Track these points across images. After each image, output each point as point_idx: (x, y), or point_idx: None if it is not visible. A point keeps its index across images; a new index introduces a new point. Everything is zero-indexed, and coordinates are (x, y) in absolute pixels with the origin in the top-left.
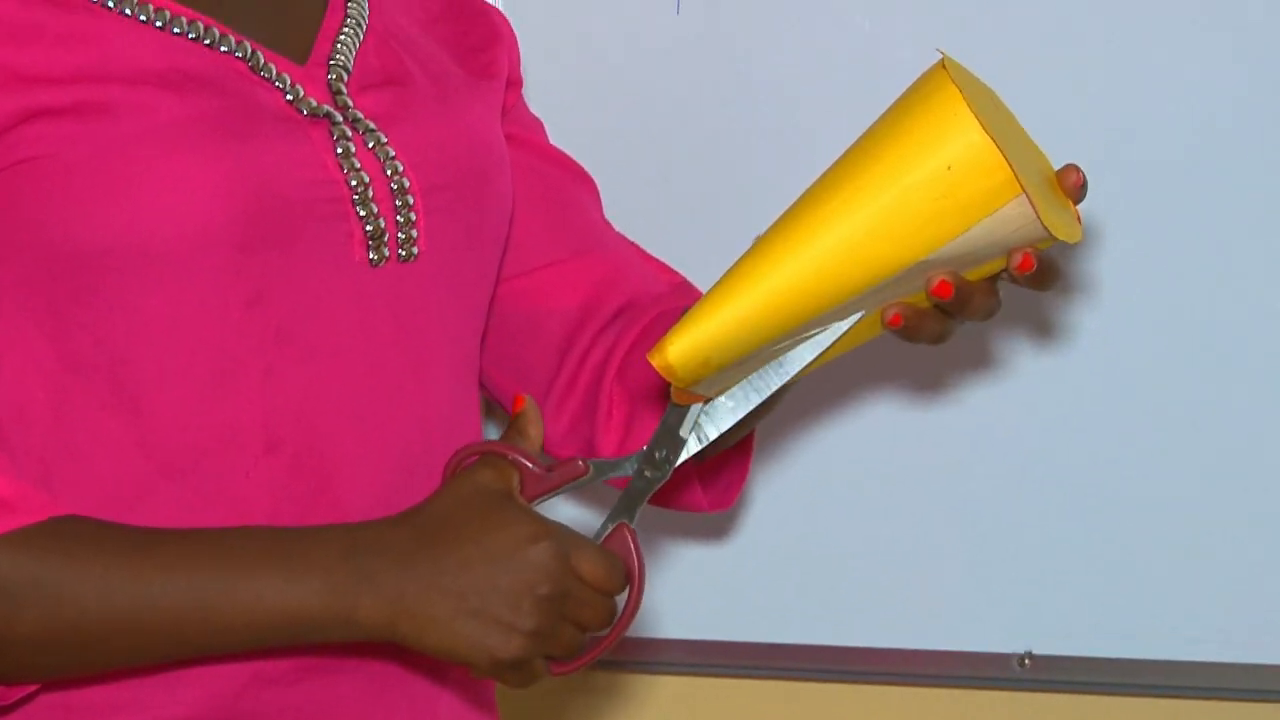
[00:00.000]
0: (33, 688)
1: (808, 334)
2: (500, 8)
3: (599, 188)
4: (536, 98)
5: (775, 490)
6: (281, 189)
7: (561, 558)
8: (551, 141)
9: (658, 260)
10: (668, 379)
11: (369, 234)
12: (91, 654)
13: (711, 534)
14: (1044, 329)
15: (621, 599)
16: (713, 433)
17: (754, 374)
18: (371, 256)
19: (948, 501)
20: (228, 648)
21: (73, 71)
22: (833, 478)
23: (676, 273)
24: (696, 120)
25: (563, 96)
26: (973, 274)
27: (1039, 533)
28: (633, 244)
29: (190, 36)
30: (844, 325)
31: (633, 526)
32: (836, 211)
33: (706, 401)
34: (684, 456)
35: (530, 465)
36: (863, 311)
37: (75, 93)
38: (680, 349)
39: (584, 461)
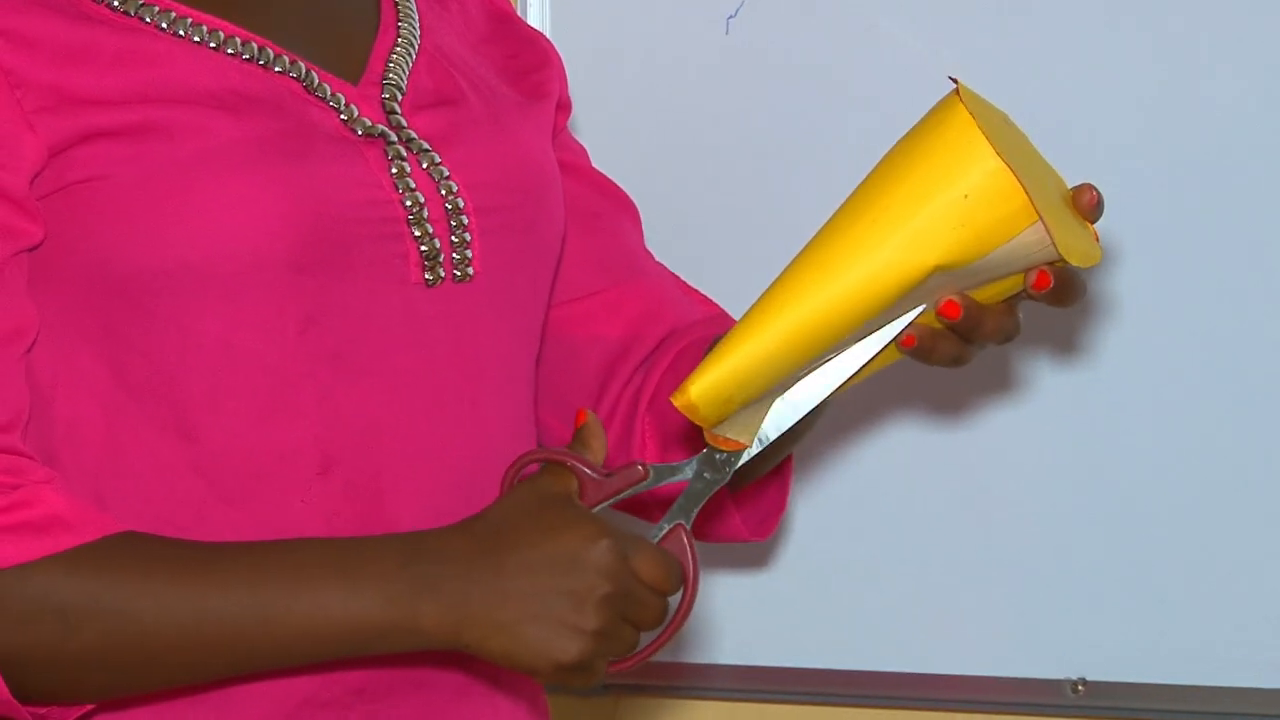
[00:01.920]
0: (89, 707)
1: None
2: (553, 26)
3: (641, 210)
4: (587, 116)
5: (819, 515)
6: (337, 210)
7: (621, 557)
8: (595, 165)
9: (697, 291)
10: (692, 419)
11: (424, 254)
12: (150, 671)
13: (756, 558)
14: (1096, 351)
15: (675, 600)
16: (773, 433)
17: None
18: (427, 277)
19: (998, 526)
20: (288, 661)
21: (127, 93)
22: (879, 501)
23: (714, 304)
24: (744, 138)
25: (613, 115)
26: (989, 295)
27: (1092, 557)
28: (672, 274)
29: (244, 57)
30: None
31: (689, 528)
32: (854, 245)
33: (742, 449)
34: (745, 458)
35: (589, 471)
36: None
37: (130, 114)
38: (702, 388)
39: (643, 466)
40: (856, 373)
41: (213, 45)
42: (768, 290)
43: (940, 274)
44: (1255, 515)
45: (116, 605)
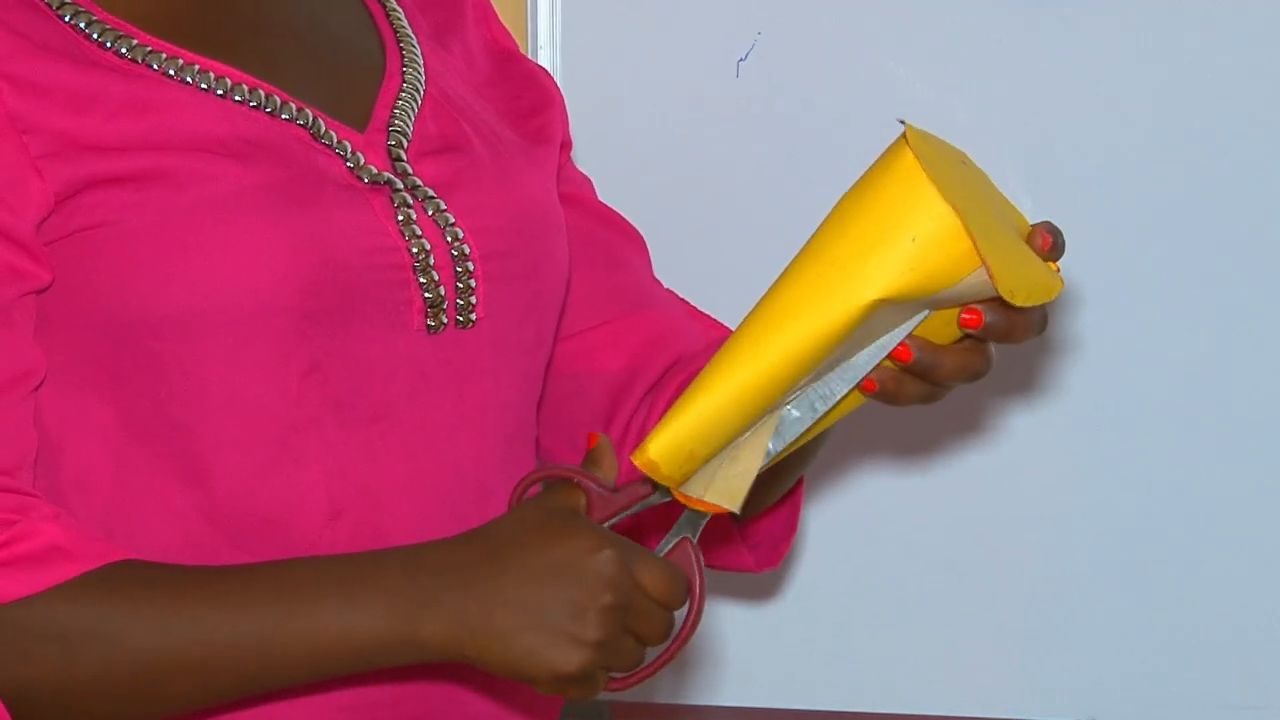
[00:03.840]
0: None
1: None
2: (563, 68)
3: (650, 246)
4: (596, 158)
5: (824, 555)
6: (343, 257)
7: (625, 568)
8: (600, 199)
9: (706, 316)
10: (655, 478)
11: (428, 301)
12: (153, 697)
13: (758, 595)
14: (1111, 389)
15: (681, 615)
16: (778, 446)
17: (817, 383)
18: (430, 324)
19: (1009, 567)
20: (291, 680)
21: (134, 140)
22: (887, 542)
23: (724, 327)
24: (754, 180)
25: (623, 156)
26: (941, 335)
27: (1103, 599)
28: (681, 300)
29: (251, 104)
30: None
31: (695, 542)
32: (804, 293)
33: (715, 511)
34: (802, 428)
35: (596, 487)
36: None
37: (136, 161)
38: (660, 445)
39: (651, 481)
40: (829, 410)
41: (220, 92)
42: (725, 344)
43: (886, 307)
44: (1271, 559)
45: (115, 631)
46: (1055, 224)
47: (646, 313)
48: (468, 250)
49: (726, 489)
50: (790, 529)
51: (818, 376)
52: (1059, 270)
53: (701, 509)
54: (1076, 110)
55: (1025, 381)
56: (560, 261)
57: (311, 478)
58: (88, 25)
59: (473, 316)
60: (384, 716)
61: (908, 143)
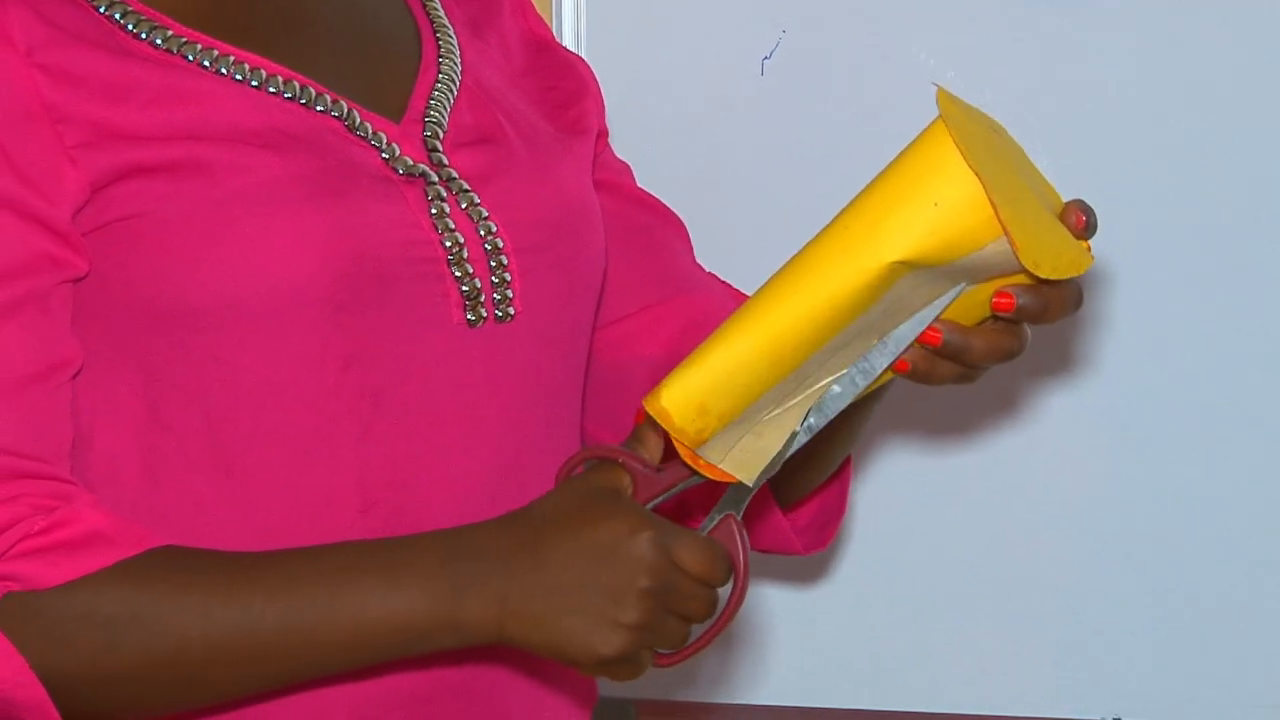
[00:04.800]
0: None
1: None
2: (593, 66)
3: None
4: (620, 152)
5: (851, 556)
6: (377, 249)
7: (663, 550)
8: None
9: (747, 296)
10: (668, 429)
11: (465, 295)
12: (196, 684)
13: (790, 599)
14: (1142, 388)
15: (726, 592)
16: (820, 422)
17: (860, 356)
18: (469, 317)
19: (1035, 566)
20: (334, 666)
21: (169, 130)
22: (915, 542)
23: None
24: (779, 179)
25: (646, 156)
26: (968, 317)
27: (1128, 597)
28: (722, 282)
29: (286, 96)
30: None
31: (739, 519)
32: (826, 250)
33: (738, 486)
34: (793, 448)
35: (640, 466)
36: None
37: (171, 151)
38: (673, 393)
39: None
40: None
41: (254, 84)
42: (747, 300)
43: (910, 273)
44: None
45: (158, 617)
46: (1088, 203)
47: (686, 297)
48: (501, 244)
49: (744, 460)
50: (838, 510)
51: (847, 345)
52: (1090, 249)
53: (715, 477)
54: (1109, 98)
55: (1058, 366)
56: (597, 253)
57: (345, 470)
58: (123, 16)
59: (511, 310)
60: (420, 711)
61: (941, 108)
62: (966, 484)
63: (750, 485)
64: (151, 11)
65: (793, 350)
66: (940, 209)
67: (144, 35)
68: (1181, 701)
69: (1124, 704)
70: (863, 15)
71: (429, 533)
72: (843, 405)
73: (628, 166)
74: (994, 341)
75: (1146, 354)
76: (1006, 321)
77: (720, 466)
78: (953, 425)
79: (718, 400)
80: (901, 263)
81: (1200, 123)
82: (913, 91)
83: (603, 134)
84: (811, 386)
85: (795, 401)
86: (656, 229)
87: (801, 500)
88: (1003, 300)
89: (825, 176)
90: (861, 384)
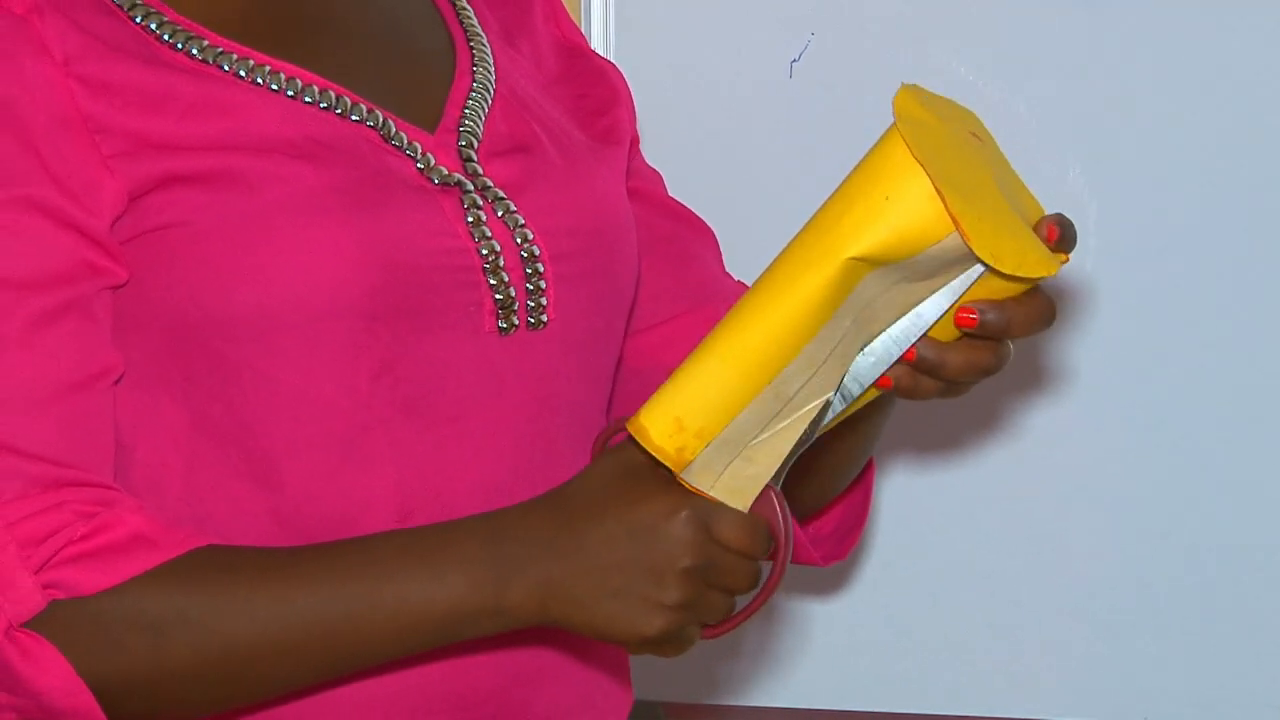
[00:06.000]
0: None
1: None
2: (622, 69)
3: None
4: (648, 156)
5: (880, 559)
6: (414, 259)
7: (702, 527)
8: (670, 193)
9: None
10: (650, 450)
11: (499, 303)
12: (245, 681)
13: (813, 598)
14: (1176, 393)
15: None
16: (856, 390)
17: (842, 372)
18: (501, 325)
19: (1065, 570)
20: (381, 656)
21: (205, 140)
22: (945, 545)
23: None
24: (807, 182)
25: (676, 159)
26: (949, 332)
27: (1158, 600)
28: None
29: (322, 105)
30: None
31: (779, 489)
32: (786, 260)
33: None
34: (830, 415)
35: None
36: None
37: (208, 161)
38: (650, 412)
39: None
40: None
41: (290, 93)
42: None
43: (872, 272)
44: None
45: (203, 616)
46: (1067, 217)
47: (715, 306)
48: (537, 251)
49: (735, 487)
50: (860, 518)
51: (826, 360)
52: (1067, 259)
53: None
54: (1136, 107)
55: (1067, 378)
56: (630, 261)
57: (382, 479)
58: (159, 26)
59: (544, 318)
60: (454, 706)
61: (898, 105)
62: (992, 494)
63: (744, 510)
64: (188, 22)
65: (763, 361)
66: (891, 202)
67: (180, 45)
68: (1212, 705)
69: (1154, 708)
70: (891, 19)
71: (469, 517)
72: (875, 377)
73: (659, 175)
74: (970, 357)
75: (1169, 352)
76: (974, 337)
77: (710, 493)
78: (967, 430)
79: (694, 416)
80: (858, 259)
81: (1226, 138)
82: (942, 92)
83: (635, 141)
84: (798, 409)
85: (784, 425)
86: (687, 239)
87: (822, 510)
88: (965, 316)
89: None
90: (895, 353)
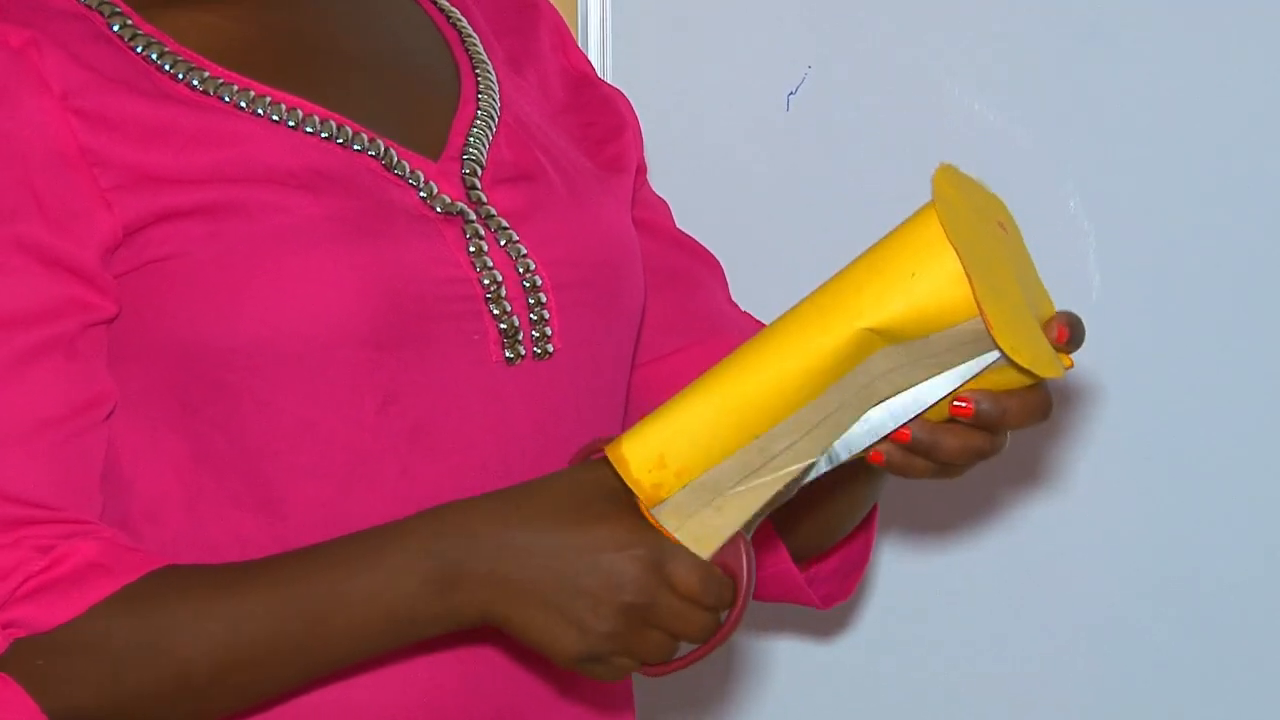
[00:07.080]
0: None
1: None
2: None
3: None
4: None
5: (891, 589)
6: (415, 288)
7: (654, 567)
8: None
9: None
10: (627, 481)
11: (503, 333)
12: (209, 698)
13: (818, 629)
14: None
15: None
16: (844, 455)
17: (831, 440)
18: (507, 355)
19: (1080, 603)
20: (340, 660)
21: (206, 172)
22: (955, 576)
23: None
24: (804, 215)
25: (672, 191)
26: (938, 413)
27: (1174, 632)
28: (758, 322)
29: (323, 135)
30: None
31: (748, 538)
32: (799, 319)
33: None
34: (812, 476)
35: None
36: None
37: (208, 193)
38: (633, 442)
39: None
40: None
41: (291, 124)
42: (719, 361)
43: (885, 348)
44: None
45: (158, 639)
46: (1078, 317)
47: (722, 338)
48: (540, 281)
49: (700, 535)
50: (860, 563)
51: (818, 425)
52: (1072, 364)
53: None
54: (1135, 139)
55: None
56: (636, 291)
57: (385, 508)
58: (159, 57)
59: (550, 348)
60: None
61: (937, 186)
62: (1003, 522)
63: (705, 558)
64: (188, 52)
65: (758, 414)
66: (917, 279)
67: (181, 76)
68: None
69: None
70: (889, 51)
71: (416, 515)
72: (869, 443)
73: (666, 204)
74: (966, 441)
75: (1175, 373)
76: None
77: (675, 535)
78: (991, 481)
79: (677, 455)
80: (873, 331)
81: (1223, 162)
82: (939, 128)
83: (641, 170)
84: (779, 469)
85: (761, 481)
86: (694, 271)
87: (823, 554)
88: (960, 406)
89: (850, 212)
90: (843, 457)
